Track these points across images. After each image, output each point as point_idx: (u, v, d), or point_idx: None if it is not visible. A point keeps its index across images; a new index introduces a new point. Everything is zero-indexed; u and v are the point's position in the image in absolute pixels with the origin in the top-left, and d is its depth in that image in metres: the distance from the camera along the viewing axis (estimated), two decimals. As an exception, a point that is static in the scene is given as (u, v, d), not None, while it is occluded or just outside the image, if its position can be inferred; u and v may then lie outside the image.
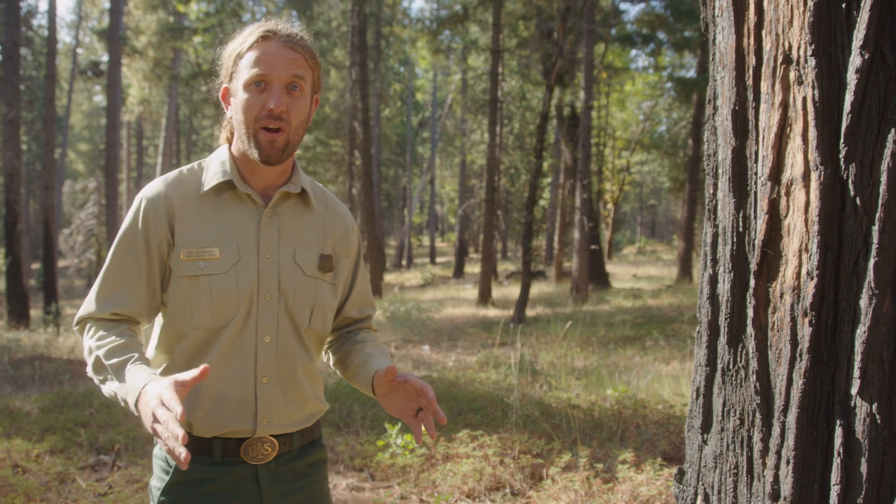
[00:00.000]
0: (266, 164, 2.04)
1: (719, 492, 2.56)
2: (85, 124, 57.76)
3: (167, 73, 28.81)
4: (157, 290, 2.08)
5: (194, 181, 2.11)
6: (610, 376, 8.69)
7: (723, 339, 2.58)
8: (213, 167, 2.13)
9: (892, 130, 2.13)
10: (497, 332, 14.25)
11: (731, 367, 2.53)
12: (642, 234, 66.04)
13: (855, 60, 2.19)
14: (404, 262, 46.37)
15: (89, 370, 2.01)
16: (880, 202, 2.14)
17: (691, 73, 32.17)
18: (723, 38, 2.60)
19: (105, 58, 33.15)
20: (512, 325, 15.76)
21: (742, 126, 2.52)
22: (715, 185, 2.71)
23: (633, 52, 37.51)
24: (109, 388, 1.94)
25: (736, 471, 2.49)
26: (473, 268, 39.75)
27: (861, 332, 2.17)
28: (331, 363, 2.44)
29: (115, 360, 1.93)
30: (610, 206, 39.77)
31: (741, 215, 2.51)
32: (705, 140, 2.78)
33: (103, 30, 30.12)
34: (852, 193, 2.20)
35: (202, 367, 1.73)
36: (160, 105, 38.31)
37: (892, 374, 2.15)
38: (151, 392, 1.74)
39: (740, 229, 2.51)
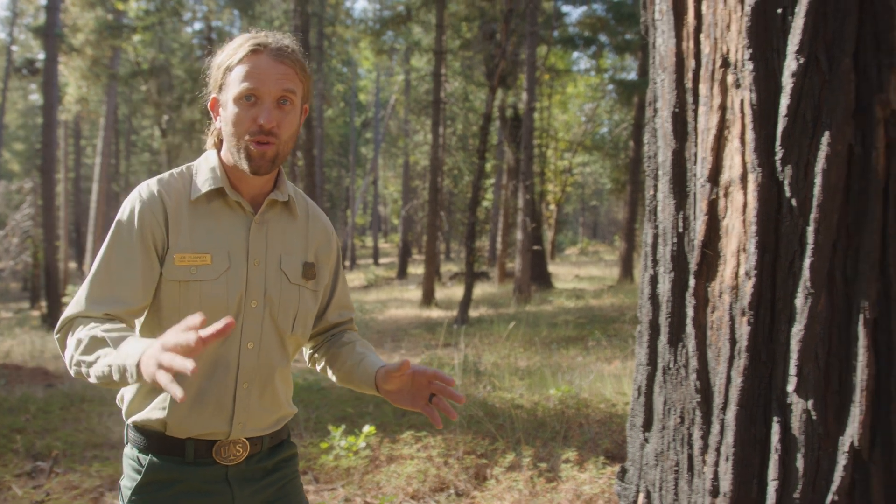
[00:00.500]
0: (255, 174, 2.04)
1: (661, 489, 2.59)
2: (20, 123, 56.57)
3: (106, 72, 28.30)
4: (151, 291, 2.05)
5: (184, 185, 2.09)
6: (553, 376, 8.73)
7: (663, 339, 2.61)
8: (203, 173, 2.11)
9: (826, 133, 2.18)
10: (441, 333, 14.26)
11: (671, 365, 2.57)
12: (584, 235, 66.55)
13: (790, 65, 2.23)
14: (347, 263, 46.20)
15: (78, 356, 1.90)
16: (815, 203, 2.19)
17: (632, 76, 32.49)
18: (663, 42, 2.64)
19: (41, 55, 32.55)
20: (455, 325, 15.77)
21: (681, 128, 2.56)
22: (655, 187, 2.74)
23: (575, 54, 37.76)
24: (103, 362, 1.84)
25: (677, 468, 2.52)
26: (417, 269, 39.73)
27: (797, 331, 2.22)
28: (317, 367, 2.43)
29: (115, 335, 1.86)
30: (552, 207, 40.02)
31: (681, 216, 2.55)
32: (646, 142, 2.82)
33: (39, 27, 29.47)
34: (788, 195, 2.24)
35: (228, 320, 1.62)
36: (98, 104, 37.64)
37: (826, 371, 2.20)
38: (157, 343, 1.67)
39: (680, 230, 2.55)
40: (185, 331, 1.62)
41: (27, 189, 31.60)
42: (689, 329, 2.47)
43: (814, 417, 2.18)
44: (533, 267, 23.46)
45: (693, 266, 2.47)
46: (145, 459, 2.04)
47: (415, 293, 26.39)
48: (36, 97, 53.23)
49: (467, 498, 4.93)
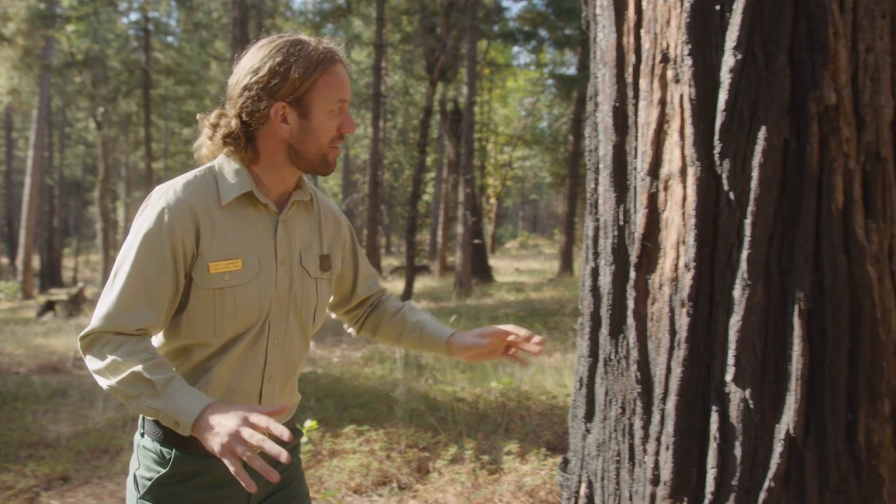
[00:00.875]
0: (325, 175, 2.15)
1: (602, 479, 2.63)
2: (-52, 115, 55.18)
3: (38, 63, 27.71)
4: (175, 303, 2.04)
5: (210, 190, 2.07)
6: (494, 369, 8.78)
7: (605, 330, 2.65)
8: (229, 175, 2.09)
9: (763, 128, 2.23)
10: (382, 327, 14.21)
11: (612, 357, 2.60)
12: (524, 229, 66.97)
13: (728, 60, 2.28)
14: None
15: (115, 383, 1.92)
16: (752, 196, 2.24)
17: (572, 71, 32.74)
18: (603, 36, 2.67)
19: (-30, 46, 31.74)
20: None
21: (622, 122, 2.59)
22: (596, 180, 2.77)
23: (515, 48, 37.94)
24: (148, 403, 1.89)
25: (618, 458, 2.56)
26: (358, 263, 39.55)
27: (735, 322, 2.26)
28: (371, 336, 2.55)
29: (159, 377, 1.89)
30: (493, 200, 40.17)
31: (621, 209, 2.58)
32: (586, 136, 2.85)
33: (-32, 16, 28.78)
34: (726, 188, 2.29)
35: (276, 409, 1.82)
36: (31, 95, 36.82)
37: (763, 361, 2.25)
38: (225, 418, 1.80)
39: (621, 223, 2.58)
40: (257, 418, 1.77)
41: (-44, 182, 30.82)
42: (630, 321, 2.51)
43: (751, 406, 2.23)
44: (473, 260, 23.54)
45: (634, 258, 2.51)
46: (170, 453, 2.05)
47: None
48: (-35, 88, 51.86)
49: (410, 491, 4.94)
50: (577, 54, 27.44)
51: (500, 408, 6.75)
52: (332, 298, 2.44)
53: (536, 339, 2.26)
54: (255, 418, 1.77)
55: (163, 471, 2.06)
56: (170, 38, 34.19)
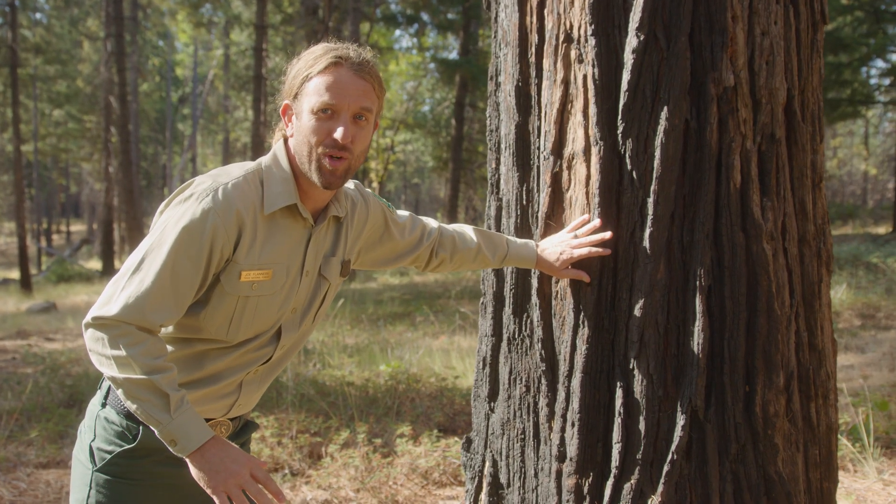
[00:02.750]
0: (327, 188, 1.99)
1: (507, 457, 2.64)
2: None
3: None
4: (192, 300, 1.99)
5: (256, 195, 1.99)
6: (382, 353, 8.77)
7: (508, 310, 2.66)
8: (276, 184, 2.02)
9: (665, 108, 2.27)
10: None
11: (516, 336, 2.62)
12: (406, 213, 66.97)
13: (631, 41, 2.31)
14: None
15: (122, 378, 1.85)
16: (655, 175, 2.28)
17: (454, 55, 32.87)
18: (506, 16, 2.67)
19: None
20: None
21: (525, 102, 2.60)
22: (497, 160, 2.78)
23: (398, 32, 37.89)
24: (152, 412, 1.86)
25: (523, 436, 2.58)
26: (238, 248, 38.98)
27: (638, 299, 2.30)
28: (448, 263, 2.53)
29: (175, 394, 1.87)
30: (375, 184, 40.05)
31: (524, 189, 2.60)
32: (487, 115, 2.85)
33: None
34: (629, 167, 2.32)
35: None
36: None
37: (666, 337, 2.30)
38: (229, 460, 1.88)
39: (524, 202, 2.60)
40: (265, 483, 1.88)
41: None
42: (535, 299, 2.53)
43: (654, 381, 2.28)
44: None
45: (537, 238, 2.52)
46: (136, 429, 2.01)
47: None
48: None
49: (303, 477, 4.89)
50: (460, 38, 27.52)
51: (391, 391, 6.75)
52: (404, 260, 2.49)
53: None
54: (258, 471, 1.87)
55: (127, 445, 2.02)
56: (38, 15, 32.83)
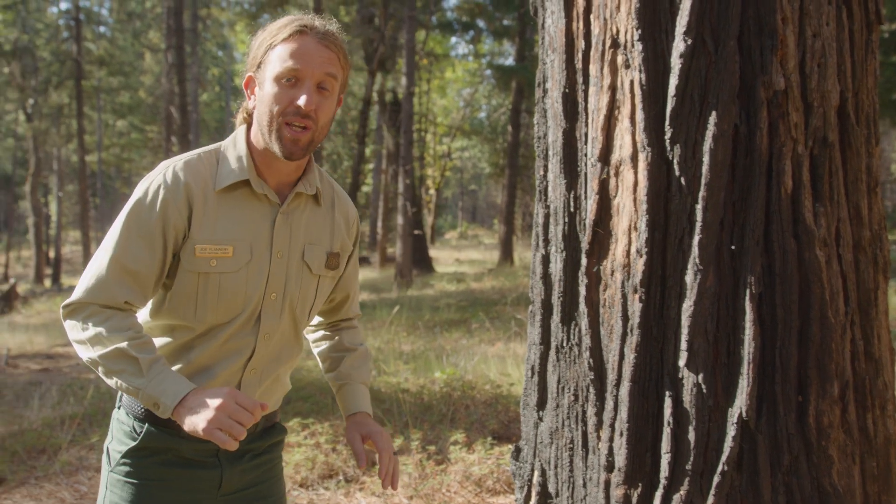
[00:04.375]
0: (287, 159, 1.97)
1: (556, 466, 2.62)
2: None
3: (-36, 53, 27.04)
4: (160, 281, 2.00)
5: (210, 172, 2.01)
6: (437, 359, 8.77)
7: (556, 318, 2.64)
8: (231, 160, 2.03)
9: (713, 113, 2.23)
10: (323, 319, 14.13)
11: (564, 344, 2.60)
12: (464, 219, 67.05)
13: (678, 46, 2.28)
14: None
15: (96, 356, 1.90)
16: (703, 182, 2.25)
17: (510, 61, 32.83)
18: (552, 22, 2.65)
19: None
20: (338, 311, 15.66)
21: (572, 108, 2.58)
22: (545, 167, 2.76)
23: (454, 39, 37.97)
24: (129, 380, 1.87)
25: (572, 445, 2.55)
26: (297, 255, 39.29)
27: (687, 307, 2.27)
28: (318, 359, 2.44)
29: (145, 356, 1.88)
30: (432, 191, 40.16)
31: (572, 196, 2.58)
32: (535, 122, 2.83)
33: None
34: (677, 173, 2.29)
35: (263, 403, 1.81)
36: (-44, 87, 35.97)
37: (716, 345, 2.26)
38: (207, 397, 1.80)
39: (571, 209, 2.58)
40: (247, 406, 1.78)
41: None
42: (582, 307, 2.50)
43: (704, 390, 2.24)
44: (414, 251, 23.51)
45: (585, 245, 2.50)
46: (142, 427, 2.01)
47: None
48: None
49: (357, 484, 4.90)
50: (516, 45, 27.48)
51: (445, 398, 6.74)
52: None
53: (388, 479, 2.16)
54: (241, 398, 1.78)
55: (132, 444, 2.02)
56: (102, 28, 33.54)
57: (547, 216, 2.74)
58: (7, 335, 14.23)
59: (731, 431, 2.21)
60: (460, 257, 32.56)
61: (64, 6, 31.81)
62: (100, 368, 1.93)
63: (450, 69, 37.14)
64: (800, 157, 2.25)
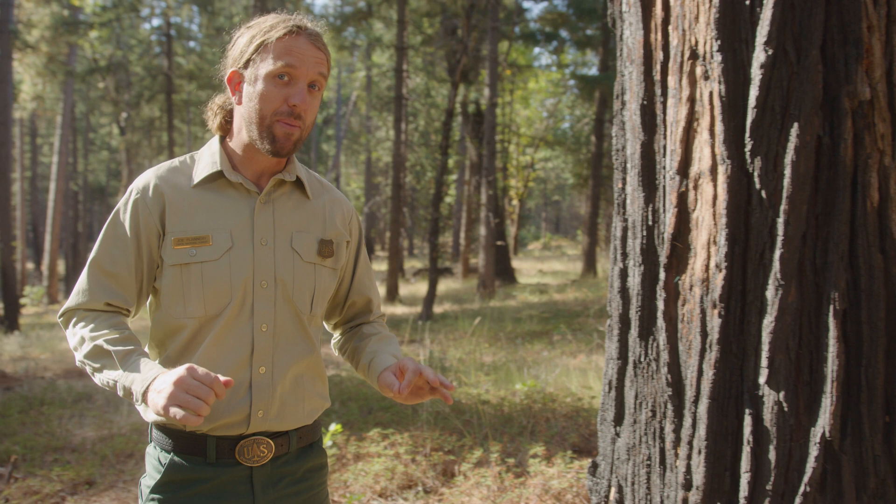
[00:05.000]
0: (276, 156, 2.01)
1: (633, 483, 2.58)
2: (-25, 122, 55.75)
3: (62, 69, 27.91)
4: (143, 283, 2.06)
5: (185, 173, 2.08)
6: (518, 371, 8.74)
7: (634, 332, 2.60)
8: (205, 158, 2.09)
9: (795, 125, 2.18)
10: (405, 330, 14.22)
11: (642, 359, 2.56)
12: (547, 230, 66.79)
13: (759, 56, 2.23)
14: (310, 261, 45.91)
15: (82, 357, 1.97)
16: (785, 195, 2.19)
17: (594, 71, 32.68)
18: (630, 34, 2.63)
19: (-5, 53, 31.99)
20: (420, 322, 15.76)
21: (650, 121, 2.55)
22: (624, 180, 2.73)
23: (537, 49, 37.92)
24: (108, 375, 1.92)
25: (649, 462, 2.52)
26: (380, 265, 39.65)
27: (768, 323, 2.22)
28: (343, 359, 2.42)
29: (120, 348, 1.92)
30: (515, 202, 40.07)
31: (650, 209, 2.54)
32: (613, 135, 2.81)
33: (-7, 24, 29.03)
34: (758, 186, 2.24)
35: (225, 379, 1.77)
36: (55, 102, 37.14)
37: (797, 362, 2.20)
38: (169, 376, 1.77)
39: (650, 223, 2.54)
40: (203, 378, 1.74)
41: (-18, 188, 31.10)
42: (660, 322, 2.46)
43: (785, 409, 2.18)
44: (496, 262, 23.50)
45: (663, 259, 2.47)
46: (166, 458, 2.01)
47: (379, 290, 26.28)
48: (-9, 95, 52.37)
49: (436, 495, 4.90)
50: (599, 54, 27.30)
51: (525, 410, 6.71)
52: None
53: (447, 383, 2.01)
54: (195, 371, 1.76)
55: (158, 477, 2.02)
56: (192, 43, 34.36)
57: (625, 229, 2.71)
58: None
59: (814, 451, 2.15)
60: (543, 268, 32.42)
61: (156, 23, 32.73)
62: (87, 368, 1.98)
63: (533, 79, 37.07)
64: (886, 170, 2.18)
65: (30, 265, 44.95)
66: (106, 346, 1.93)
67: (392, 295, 22.10)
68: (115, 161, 47.82)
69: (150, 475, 2.05)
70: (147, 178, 2.06)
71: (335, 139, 50.57)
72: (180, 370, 1.77)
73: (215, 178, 2.07)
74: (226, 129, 2.15)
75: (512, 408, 6.84)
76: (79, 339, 1.99)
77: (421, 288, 24.77)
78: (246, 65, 2.02)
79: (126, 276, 2.03)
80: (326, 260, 2.15)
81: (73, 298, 2.06)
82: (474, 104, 24.81)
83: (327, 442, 5.54)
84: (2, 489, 5.35)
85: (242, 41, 2.04)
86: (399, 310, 19.90)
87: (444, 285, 25.43)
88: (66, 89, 33.94)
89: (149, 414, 2.01)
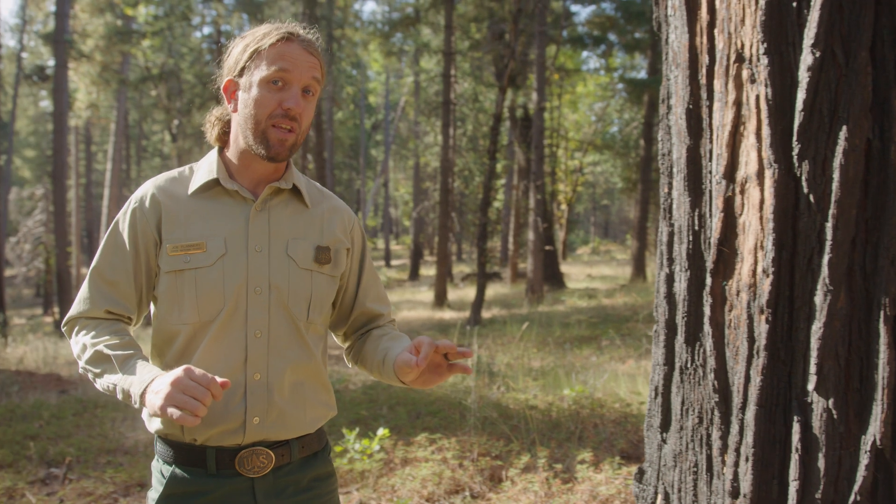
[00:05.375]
0: (272, 161, 2.05)
1: (679, 490, 2.56)
2: (31, 130, 56.75)
3: (116, 78, 28.40)
4: (143, 292, 2.11)
5: (183, 182, 2.13)
6: (567, 376, 8.71)
7: (680, 338, 2.58)
8: (202, 168, 2.14)
9: (844, 128, 2.15)
10: (454, 335, 14.23)
11: (688, 365, 2.54)
12: (596, 235, 66.45)
13: (806, 58, 2.20)
14: (359, 266, 46.11)
15: (83, 363, 2.02)
16: (833, 199, 2.16)
17: (642, 74, 32.43)
18: (676, 38, 2.61)
19: (51, 62, 32.56)
20: (468, 326, 15.77)
21: (696, 125, 2.53)
22: (670, 185, 2.71)
23: (585, 53, 37.71)
24: (108, 379, 1.96)
25: (696, 469, 2.49)
26: (429, 270, 39.74)
27: (816, 329, 2.18)
28: (355, 366, 2.39)
29: (120, 353, 1.97)
30: (564, 206, 39.95)
31: (696, 214, 2.52)
32: (659, 139, 2.79)
33: (49, 33, 29.62)
34: (806, 191, 2.21)
35: (221, 380, 1.79)
36: (109, 110, 37.79)
37: (847, 369, 2.16)
38: (167, 377, 1.80)
39: (696, 228, 2.52)
40: (199, 379, 1.77)
41: (39, 195, 31.74)
42: (707, 328, 2.44)
43: (835, 416, 2.15)
44: (545, 267, 23.44)
45: (710, 264, 2.44)
46: (168, 471, 2.03)
47: (427, 294, 26.40)
48: (46, 104, 53.52)
49: (483, 500, 4.90)
50: (648, 58, 27.13)
51: (574, 416, 6.68)
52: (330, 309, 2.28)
53: (461, 349, 1.97)
54: (192, 372, 1.79)
55: (161, 490, 2.04)
56: (243, 51, 34.68)
57: (671, 234, 2.69)
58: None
59: (864, 460, 2.11)
60: (592, 273, 32.26)
61: (206, 31, 33.06)
62: (89, 375, 2.03)
63: (581, 83, 36.94)
64: (938, 173, 2.14)
65: (84, 270, 45.74)
66: (106, 351, 1.98)
67: (440, 300, 22.13)
68: (166, 167, 48.49)
69: (155, 488, 2.07)
70: (146, 188, 2.12)
71: (383, 145, 50.84)
72: (177, 371, 1.80)
73: (211, 186, 2.11)
74: (223, 140, 2.20)
75: (560, 413, 6.82)
76: (81, 346, 2.04)
77: (469, 293, 24.78)
78: (241, 73, 2.06)
79: (125, 285, 2.08)
80: (324, 266, 2.16)
81: (75, 307, 2.11)
82: (522, 108, 24.78)
83: (375, 446, 5.56)
84: (57, 490, 5.45)
85: (237, 50, 2.09)
86: (447, 315, 19.93)
87: (492, 290, 25.42)
88: (120, 97, 34.52)
89: (152, 423, 2.05)
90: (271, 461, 2.06)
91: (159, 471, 2.06)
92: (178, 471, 2.02)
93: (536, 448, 5.60)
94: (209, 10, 29.91)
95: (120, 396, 1.94)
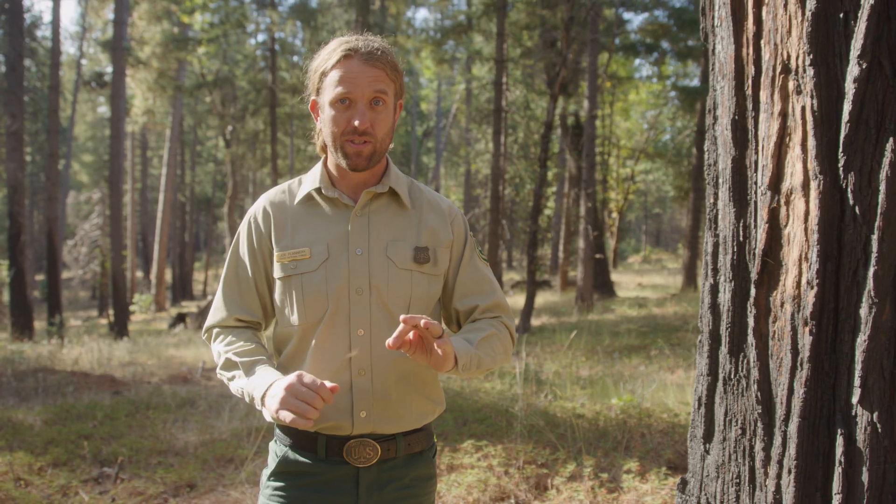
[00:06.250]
0: (355, 170, 2.18)
1: (722, 501, 2.55)
2: (89, 135, 57.85)
3: (171, 84, 28.87)
4: (266, 298, 2.30)
5: (291, 193, 2.30)
6: (615, 385, 8.67)
7: (724, 349, 2.58)
8: (308, 179, 2.31)
9: (891, 140, 2.14)
10: (502, 342, 14.19)
11: (732, 376, 2.53)
12: (647, 243, 65.91)
13: (853, 70, 2.19)
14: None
15: (219, 370, 2.24)
16: (879, 211, 2.15)
17: (695, 82, 32.19)
18: (722, 48, 2.61)
19: (109, 69, 33.14)
20: (517, 334, 15.75)
21: (742, 135, 2.53)
22: (715, 195, 2.71)
23: (637, 61, 37.51)
24: (238, 384, 2.16)
25: (738, 480, 2.49)
26: (478, 277, 39.64)
27: (861, 341, 2.17)
28: None
29: (246, 359, 2.16)
30: (615, 214, 39.72)
31: (741, 224, 2.52)
32: (706, 149, 2.79)
33: (107, 41, 30.14)
34: (851, 202, 2.20)
35: (331, 385, 1.94)
36: (164, 116, 38.40)
37: (892, 382, 2.14)
38: (283, 382, 1.97)
39: (741, 238, 2.52)
40: (310, 385, 1.92)
41: (95, 199, 32.31)
42: (751, 339, 2.44)
43: (879, 429, 2.13)
44: (595, 275, 23.32)
45: (754, 275, 2.44)
46: (282, 451, 2.21)
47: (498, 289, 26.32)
48: (104, 109, 54.50)
49: (528, 508, 4.90)
50: (700, 66, 26.94)
51: (621, 425, 6.65)
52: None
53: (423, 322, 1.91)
54: (305, 377, 1.94)
55: (274, 467, 2.22)
56: (295, 58, 35.08)
57: (716, 245, 2.69)
58: (204, 349, 15.06)
59: (909, 474, 2.09)
60: (642, 282, 32.01)
61: (260, 38, 33.45)
62: (224, 380, 2.21)
63: (633, 91, 36.73)
64: None
65: (139, 273, 46.48)
66: (234, 358, 2.17)
67: (489, 307, 22.05)
68: (220, 173, 49.14)
69: (269, 466, 2.26)
70: (260, 201, 2.29)
71: (435, 151, 50.94)
72: (291, 377, 1.95)
73: (315, 195, 2.26)
74: (326, 150, 2.32)
75: (607, 422, 6.79)
76: (216, 354, 2.25)
77: (519, 300, 24.72)
78: (317, 93, 2.21)
79: (249, 293, 2.28)
80: (423, 266, 2.25)
81: (210, 317, 2.32)
82: (573, 116, 24.72)
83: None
84: (109, 489, 5.56)
85: (311, 71, 2.23)
86: (496, 322, 19.84)
87: (542, 298, 25.35)
88: (175, 103, 35.07)
89: (268, 415, 2.16)
90: (377, 453, 2.18)
91: (275, 451, 2.25)
92: (290, 453, 2.20)
93: (582, 457, 5.59)
94: (263, 18, 30.27)
95: (247, 399, 2.12)
